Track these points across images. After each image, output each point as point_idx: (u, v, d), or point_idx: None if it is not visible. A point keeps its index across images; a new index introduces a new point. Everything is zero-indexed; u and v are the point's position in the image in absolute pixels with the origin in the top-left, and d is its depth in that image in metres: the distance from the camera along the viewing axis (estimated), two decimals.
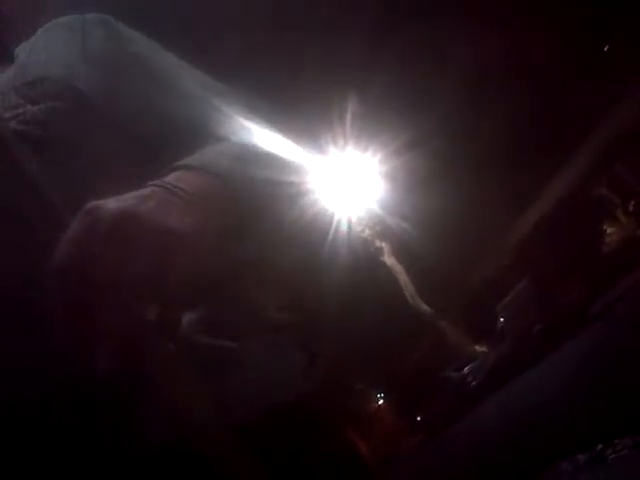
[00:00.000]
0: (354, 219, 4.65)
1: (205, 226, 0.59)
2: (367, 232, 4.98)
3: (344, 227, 4.47)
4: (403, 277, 5.15)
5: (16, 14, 0.89)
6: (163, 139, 0.74)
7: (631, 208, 3.71)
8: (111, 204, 0.54)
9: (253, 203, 0.67)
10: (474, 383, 3.75)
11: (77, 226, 0.53)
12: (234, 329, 0.73)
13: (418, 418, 4.35)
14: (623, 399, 2.11)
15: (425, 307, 5.15)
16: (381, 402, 5.48)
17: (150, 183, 0.60)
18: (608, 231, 3.67)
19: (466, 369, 4.03)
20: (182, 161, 0.64)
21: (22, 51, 0.81)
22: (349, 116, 3.59)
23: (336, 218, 4.53)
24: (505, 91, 3.80)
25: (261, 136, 0.74)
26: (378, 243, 5.09)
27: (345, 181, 4.28)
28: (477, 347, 4.52)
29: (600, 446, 2.09)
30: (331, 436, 0.76)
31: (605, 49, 3.59)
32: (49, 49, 0.80)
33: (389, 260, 5.13)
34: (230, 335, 0.72)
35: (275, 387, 0.73)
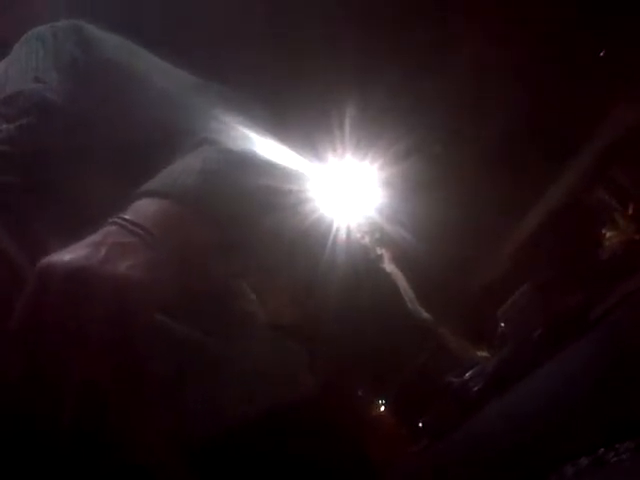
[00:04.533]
0: (353, 226, 4.66)
1: (164, 264, 0.58)
2: (367, 239, 4.99)
3: (343, 235, 4.48)
4: (403, 284, 5.15)
5: (12, 35, 0.89)
6: (143, 146, 0.73)
7: (630, 212, 3.71)
8: (63, 259, 0.54)
9: (227, 217, 0.66)
10: (475, 388, 3.75)
11: (31, 289, 0.54)
12: (233, 331, 0.73)
13: (420, 424, 4.34)
14: (624, 403, 2.11)
15: (425, 314, 5.15)
16: (383, 408, 5.47)
17: (109, 220, 0.60)
18: (607, 235, 3.67)
19: (467, 375, 4.02)
20: (143, 187, 0.63)
21: (0, 69, 0.81)
22: (348, 124, 3.59)
23: (335, 226, 4.54)
24: (503, 98, 3.81)
25: (257, 143, 0.73)
26: (378, 250, 5.10)
27: (344, 189, 4.28)
28: (478, 353, 4.51)
29: (602, 450, 2.09)
30: (337, 436, 0.76)
31: (601, 54, 3.60)
32: (22, 62, 0.80)
33: (389, 267, 5.14)
34: (229, 336, 0.72)
35: (280, 383, 0.73)
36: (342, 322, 4.48)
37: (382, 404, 5.39)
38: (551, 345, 2.85)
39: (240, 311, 0.77)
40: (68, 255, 0.55)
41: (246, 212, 0.69)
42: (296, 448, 0.68)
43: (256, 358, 0.72)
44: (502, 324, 3.82)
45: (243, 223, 0.68)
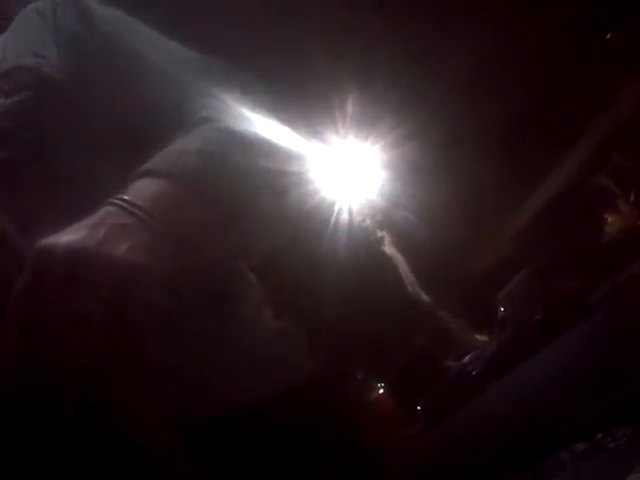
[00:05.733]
0: (355, 209, 4.65)
1: (163, 245, 0.58)
2: (368, 222, 4.98)
3: (345, 217, 4.47)
4: (403, 267, 5.15)
5: (12, 8, 0.87)
6: (143, 123, 0.72)
7: (632, 198, 3.70)
8: (61, 241, 0.54)
9: (227, 197, 0.65)
10: (474, 372, 3.76)
11: (29, 272, 0.54)
12: (233, 314, 0.73)
13: (418, 407, 4.36)
14: (622, 388, 2.12)
15: (425, 297, 5.15)
16: (381, 391, 5.50)
17: (108, 200, 0.59)
18: (609, 221, 3.66)
19: (466, 358, 4.03)
20: (143, 166, 0.63)
21: (1, 43, 0.80)
22: (349, 105, 3.57)
23: (337, 208, 4.53)
24: (505, 81, 3.78)
25: (258, 123, 0.72)
26: (379, 233, 5.09)
27: (346, 170, 4.26)
28: (477, 337, 4.52)
29: (599, 435, 2.10)
30: (335, 420, 0.76)
31: (607, 37, 3.57)
32: (21, 37, 0.79)
33: (389, 250, 5.14)
34: (229, 319, 0.72)
35: (280, 366, 0.73)
36: (342, 304, 4.49)
37: (380, 387, 5.41)
38: (550, 330, 2.86)
39: (240, 293, 0.76)
40: (66, 236, 0.55)
41: (246, 193, 0.68)
42: (295, 432, 0.68)
43: (256, 341, 0.72)
44: (502, 308, 3.83)
45: (243, 203, 0.67)
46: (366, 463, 0.77)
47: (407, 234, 4.75)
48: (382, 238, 5.15)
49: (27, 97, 0.70)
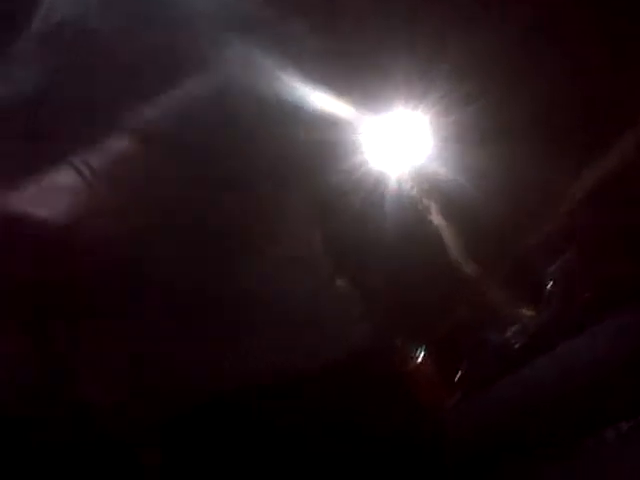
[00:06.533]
0: (403, 177, 4.60)
1: (107, 205, 0.58)
2: (415, 190, 4.94)
3: (393, 185, 4.43)
4: (450, 236, 5.10)
5: None
6: (157, 69, 0.72)
7: None
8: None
9: (206, 154, 0.65)
10: (517, 346, 3.74)
11: None
12: (289, 284, 0.73)
13: (457, 377, 4.36)
14: None
15: (471, 267, 5.11)
16: (422, 358, 5.51)
17: (66, 159, 0.59)
18: None
19: (509, 331, 4.01)
20: (117, 122, 0.63)
21: None
22: (400, 73, 3.53)
23: (384, 176, 4.49)
24: (565, 53, 3.67)
25: (299, 87, 0.71)
26: (426, 201, 5.04)
27: (394, 138, 4.23)
28: (523, 310, 4.48)
29: None
30: (391, 387, 0.76)
31: None
32: None
33: (436, 219, 5.09)
34: (288, 289, 0.72)
35: (335, 332, 0.73)
36: (389, 272, 4.49)
37: (421, 355, 5.42)
38: (599, 309, 2.82)
39: (292, 257, 0.76)
40: (3, 197, 0.56)
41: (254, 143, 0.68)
42: (353, 399, 0.69)
43: (311, 306, 0.72)
44: (550, 283, 3.77)
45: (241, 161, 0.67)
46: (420, 423, 0.77)
47: (455, 203, 4.70)
48: (429, 207, 5.10)
49: (64, 74, 0.71)
